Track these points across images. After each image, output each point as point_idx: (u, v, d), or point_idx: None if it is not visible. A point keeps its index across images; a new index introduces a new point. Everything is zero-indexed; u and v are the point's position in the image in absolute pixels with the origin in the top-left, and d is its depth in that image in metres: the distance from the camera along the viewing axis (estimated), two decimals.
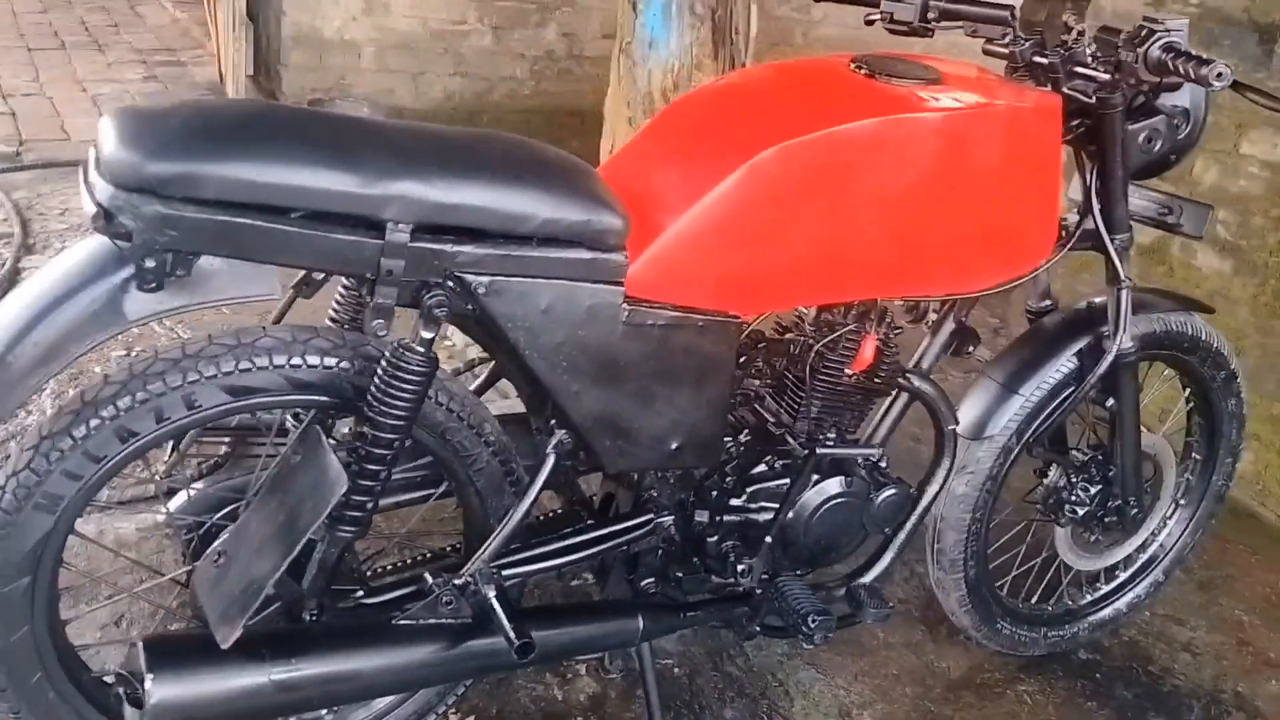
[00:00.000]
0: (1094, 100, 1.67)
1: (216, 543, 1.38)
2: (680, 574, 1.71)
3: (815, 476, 1.70)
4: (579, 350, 1.44)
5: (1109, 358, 1.76)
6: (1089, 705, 2.05)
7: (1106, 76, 1.62)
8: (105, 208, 1.18)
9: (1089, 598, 2.17)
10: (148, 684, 1.27)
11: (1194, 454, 2.17)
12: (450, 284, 1.34)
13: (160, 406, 1.29)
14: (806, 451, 1.67)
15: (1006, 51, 1.69)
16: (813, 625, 1.63)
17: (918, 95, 1.56)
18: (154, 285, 1.24)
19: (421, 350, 1.34)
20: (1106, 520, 1.97)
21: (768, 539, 1.68)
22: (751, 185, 1.48)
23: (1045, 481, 1.98)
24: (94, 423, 1.28)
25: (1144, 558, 2.19)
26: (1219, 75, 1.51)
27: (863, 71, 1.60)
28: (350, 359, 1.37)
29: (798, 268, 1.56)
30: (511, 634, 1.44)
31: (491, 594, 1.44)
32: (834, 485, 1.71)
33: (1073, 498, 1.93)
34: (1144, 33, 1.60)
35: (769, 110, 1.62)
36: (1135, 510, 1.97)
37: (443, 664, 1.48)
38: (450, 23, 4.79)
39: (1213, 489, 2.17)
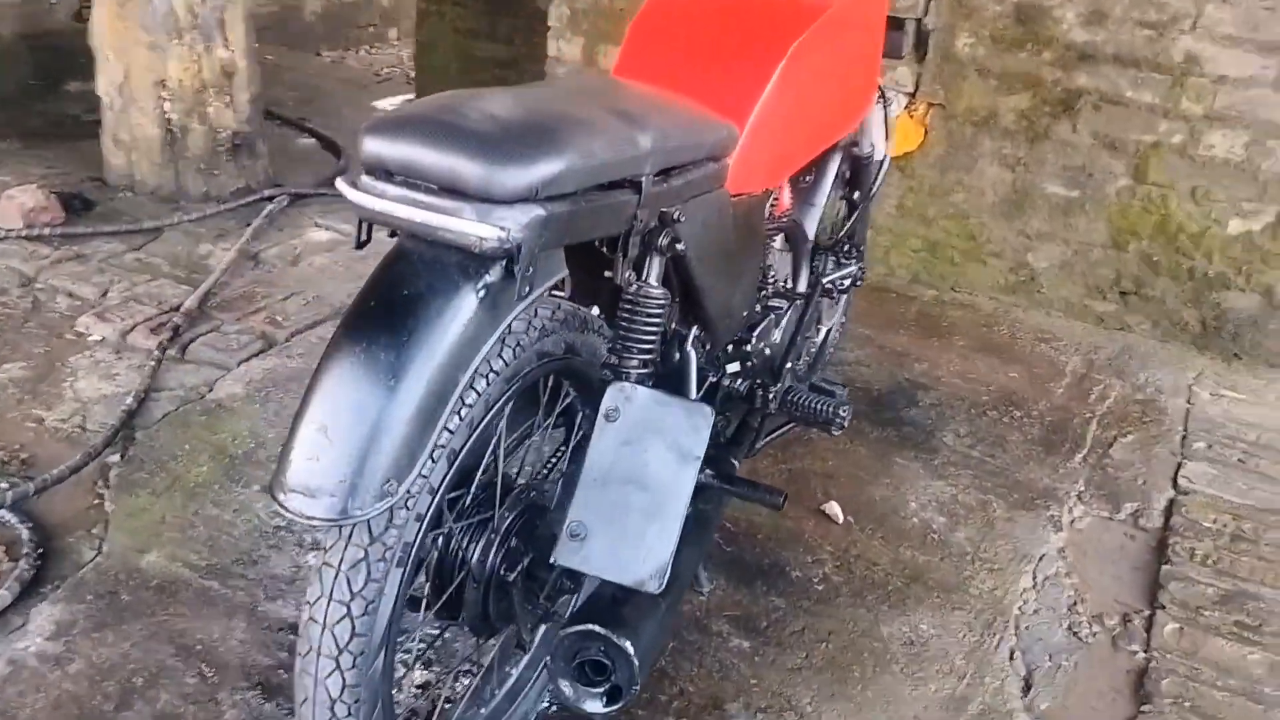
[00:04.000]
0: None
1: (569, 520, 1.30)
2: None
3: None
4: (716, 248, 1.63)
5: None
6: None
7: None
8: (498, 227, 1.13)
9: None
10: (631, 656, 1.27)
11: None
12: (661, 222, 1.43)
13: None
14: (810, 290, 2.21)
15: None
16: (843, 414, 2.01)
17: None
18: (529, 290, 1.22)
19: (659, 288, 1.44)
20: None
21: (788, 364, 2.05)
22: (790, 77, 1.73)
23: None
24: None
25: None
26: None
27: None
28: (577, 322, 1.46)
29: (807, 135, 1.95)
30: None
31: None
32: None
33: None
34: None
35: (740, 10, 1.83)
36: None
37: None
38: None
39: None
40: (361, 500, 1.10)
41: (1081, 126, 3.21)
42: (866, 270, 2.57)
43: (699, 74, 1.70)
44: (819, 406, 1.97)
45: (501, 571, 1.39)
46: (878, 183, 2.32)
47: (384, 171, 1.16)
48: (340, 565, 1.18)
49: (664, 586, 1.25)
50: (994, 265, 3.46)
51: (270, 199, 3.52)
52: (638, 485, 1.28)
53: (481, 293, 1.17)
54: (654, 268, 1.43)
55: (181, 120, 3.32)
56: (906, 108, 3.30)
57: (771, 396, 1.93)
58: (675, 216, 1.42)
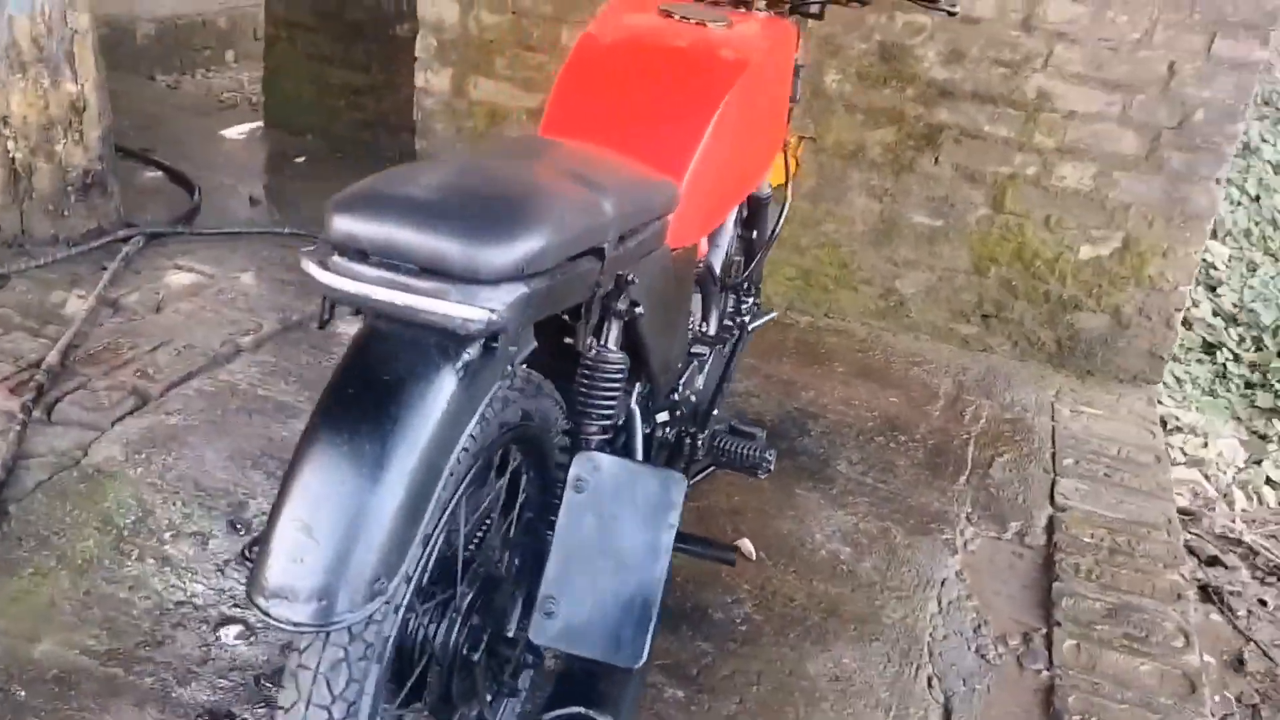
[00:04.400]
0: None
1: (542, 596, 1.29)
2: None
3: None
4: (661, 304, 1.65)
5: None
6: None
7: None
8: (486, 308, 1.09)
9: None
10: None
11: None
12: (616, 285, 1.43)
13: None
14: (737, 335, 2.29)
15: None
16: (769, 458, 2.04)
17: (737, 33, 1.91)
18: (509, 367, 1.23)
19: (618, 351, 1.46)
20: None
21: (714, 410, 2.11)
22: (722, 130, 1.75)
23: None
24: None
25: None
26: None
27: (678, 18, 1.90)
28: (533, 388, 1.42)
29: (734, 183, 1.99)
30: None
31: None
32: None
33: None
34: None
35: (666, 64, 1.82)
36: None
37: None
38: None
39: None
40: (351, 602, 1.05)
41: (943, 159, 3.36)
42: (761, 306, 2.62)
43: (632, 130, 1.70)
44: (745, 451, 2.00)
45: (465, 651, 1.35)
46: (781, 220, 2.37)
47: (356, 251, 1.12)
48: (318, 667, 1.12)
49: (644, 659, 1.24)
50: (864, 291, 3.58)
51: (125, 240, 3.32)
52: (612, 557, 1.27)
53: (461, 372, 1.14)
54: (613, 332, 1.42)
55: (27, 159, 3.10)
56: None
57: (700, 443, 1.95)
58: (629, 278, 1.41)
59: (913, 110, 3.34)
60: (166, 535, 2.12)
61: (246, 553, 1.58)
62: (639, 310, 1.42)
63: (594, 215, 1.28)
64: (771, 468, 2.01)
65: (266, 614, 1.04)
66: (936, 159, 3.37)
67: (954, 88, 3.28)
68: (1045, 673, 2.13)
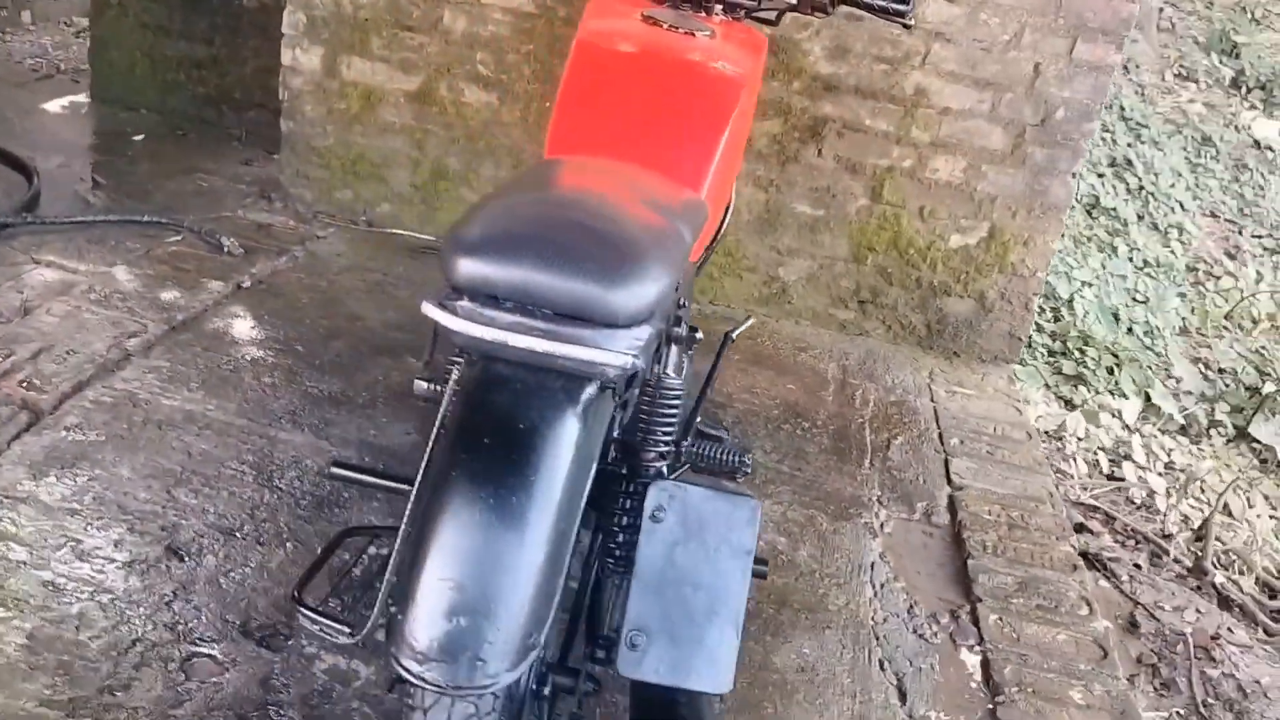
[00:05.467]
0: None
1: (627, 630, 1.26)
2: None
3: None
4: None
5: None
6: None
7: None
8: (627, 352, 1.09)
9: None
10: None
11: None
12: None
13: None
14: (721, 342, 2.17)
15: None
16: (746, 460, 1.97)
17: (727, 44, 1.94)
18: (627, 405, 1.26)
19: (678, 377, 1.49)
20: None
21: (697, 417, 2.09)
22: (729, 147, 1.78)
23: None
24: None
25: None
26: None
27: (666, 26, 1.89)
28: None
29: (724, 199, 2.04)
30: None
31: None
32: None
33: None
34: None
35: (665, 80, 1.82)
36: None
37: None
38: None
39: None
40: (510, 660, 1.03)
41: (826, 151, 3.48)
42: None
43: (646, 145, 1.70)
44: (724, 456, 2.03)
45: (534, 685, 1.34)
46: (724, 229, 2.41)
47: (486, 296, 1.09)
48: None
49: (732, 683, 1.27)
50: (749, 279, 3.68)
51: None
52: (692, 586, 1.28)
53: (582, 414, 1.13)
54: (672, 357, 1.42)
55: None
56: None
57: (683, 451, 1.97)
58: (681, 302, 1.42)
59: (799, 103, 3.44)
60: (101, 566, 1.98)
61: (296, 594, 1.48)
62: (699, 335, 1.44)
63: (680, 246, 1.29)
64: (749, 470, 2.06)
65: (421, 679, 1.01)
66: (820, 151, 3.48)
67: (838, 82, 3.39)
68: (978, 648, 2.28)
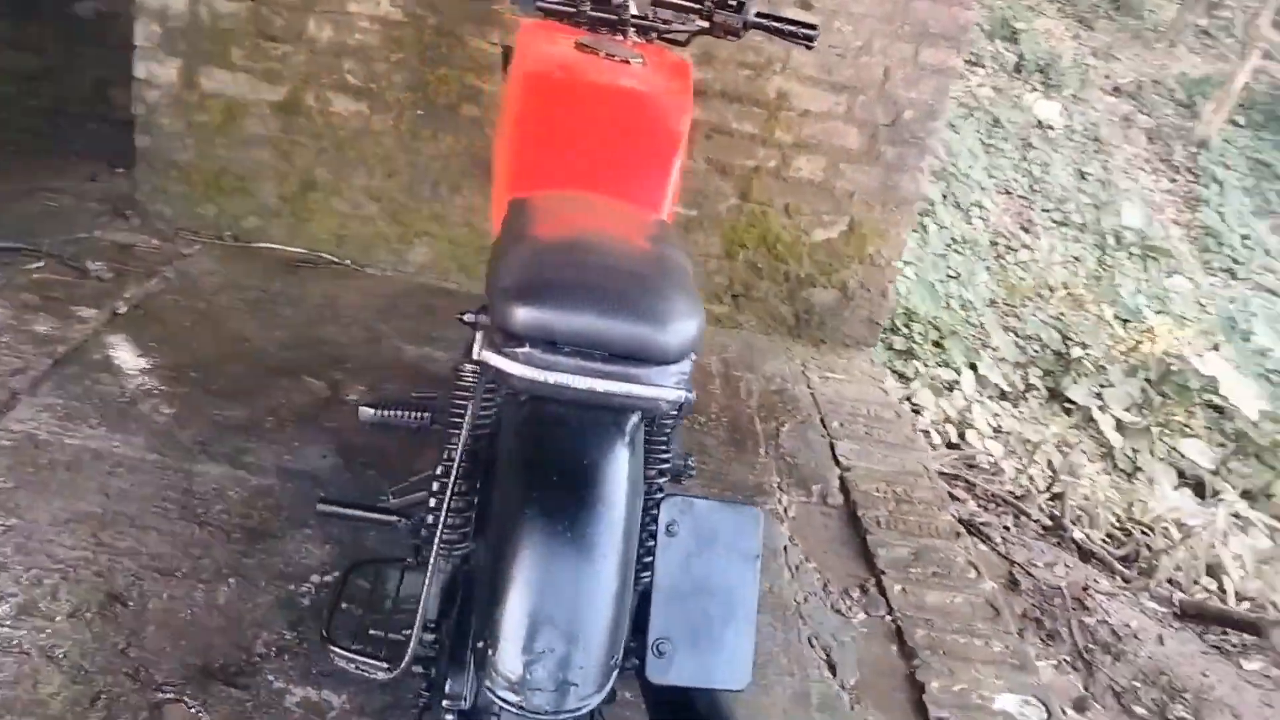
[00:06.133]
0: None
1: (653, 639, 1.33)
2: None
3: None
4: None
5: None
6: None
7: None
8: (680, 387, 1.21)
9: None
10: None
11: None
12: None
13: None
14: None
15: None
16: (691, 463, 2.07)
17: (660, 72, 1.98)
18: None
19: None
20: None
21: None
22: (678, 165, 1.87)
23: None
24: None
25: None
26: None
27: (602, 55, 1.93)
28: None
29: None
30: None
31: None
32: None
33: None
34: None
35: (610, 108, 1.85)
36: None
37: None
38: None
39: None
40: (599, 682, 1.11)
41: (698, 154, 3.62)
42: None
43: (607, 174, 1.77)
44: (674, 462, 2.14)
45: None
46: None
47: (546, 343, 1.16)
48: None
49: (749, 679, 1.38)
50: None
51: None
52: (708, 593, 1.39)
53: (630, 444, 1.22)
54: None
55: None
56: None
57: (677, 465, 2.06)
58: None
59: None
60: (45, 621, 1.92)
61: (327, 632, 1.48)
62: (694, 356, 1.54)
63: (690, 276, 1.38)
64: (693, 473, 2.17)
65: (521, 708, 1.08)
66: (691, 154, 3.62)
67: (706, 87, 3.54)
68: (888, 617, 2.48)
